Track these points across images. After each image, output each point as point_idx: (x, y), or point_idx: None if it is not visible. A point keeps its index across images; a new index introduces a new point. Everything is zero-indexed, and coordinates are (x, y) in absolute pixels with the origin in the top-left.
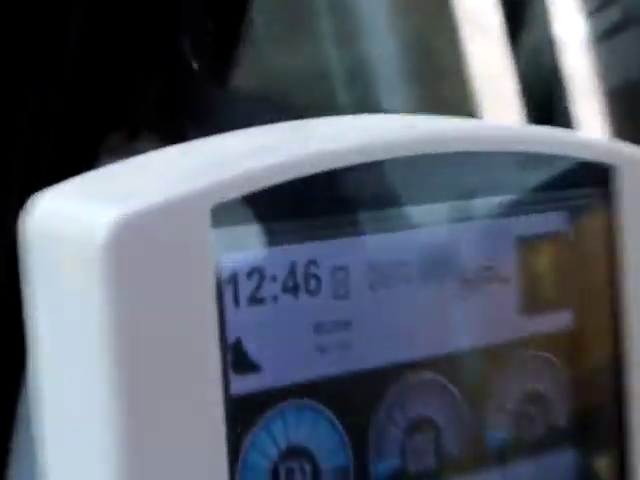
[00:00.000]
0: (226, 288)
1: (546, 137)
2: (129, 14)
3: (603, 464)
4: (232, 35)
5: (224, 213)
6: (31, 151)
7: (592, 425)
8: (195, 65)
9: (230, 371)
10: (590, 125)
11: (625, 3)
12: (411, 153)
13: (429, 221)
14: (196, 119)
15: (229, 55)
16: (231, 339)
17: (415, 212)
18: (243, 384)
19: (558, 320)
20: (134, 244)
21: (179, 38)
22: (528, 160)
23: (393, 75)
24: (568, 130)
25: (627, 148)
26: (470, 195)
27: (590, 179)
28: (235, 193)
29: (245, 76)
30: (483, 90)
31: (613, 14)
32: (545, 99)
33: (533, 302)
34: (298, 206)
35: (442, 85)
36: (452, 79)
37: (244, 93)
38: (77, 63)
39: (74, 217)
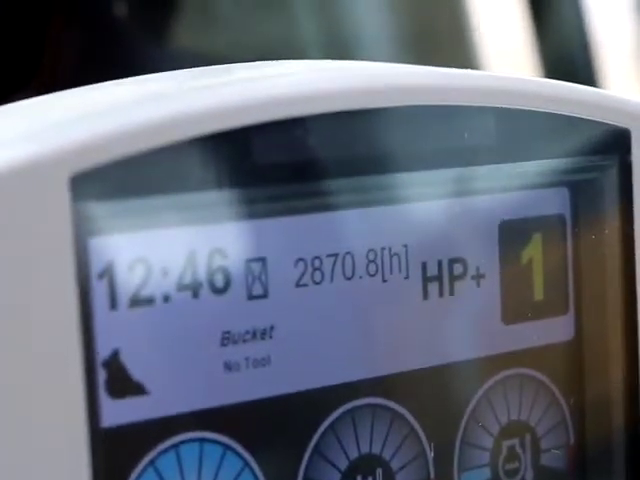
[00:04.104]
0: (97, 284)
1: (536, 90)
2: None
3: None
4: None
5: (91, 183)
6: None
7: (598, 469)
8: (121, 14)
9: (103, 395)
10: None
11: None
12: (354, 106)
13: (378, 199)
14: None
15: (168, 8)
16: (105, 352)
17: (359, 186)
18: (122, 412)
19: (553, 331)
20: None
21: None
22: (515, 120)
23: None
24: (573, 85)
25: None
26: (436, 164)
27: (597, 147)
28: (106, 157)
29: (210, 42)
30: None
31: None
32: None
33: (520, 307)
34: (195, 176)
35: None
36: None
37: (188, 53)
38: None
39: None
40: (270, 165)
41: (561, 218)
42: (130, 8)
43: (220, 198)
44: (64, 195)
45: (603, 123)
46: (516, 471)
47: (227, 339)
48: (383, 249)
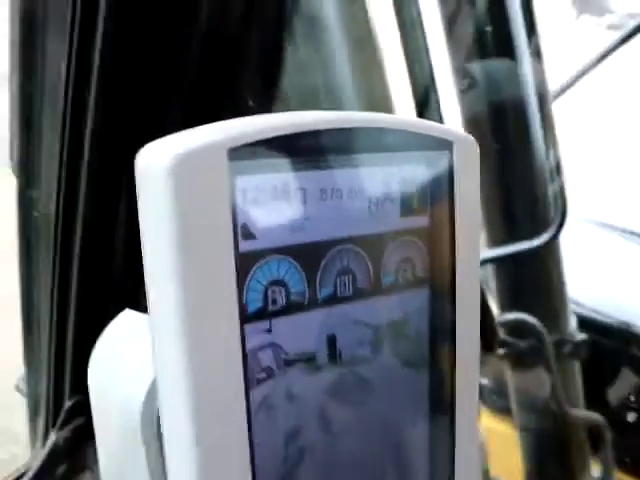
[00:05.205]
0: (238, 194)
1: (410, 122)
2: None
3: (443, 298)
4: (274, 79)
5: (237, 152)
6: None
7: (438, 276)
8: (251, 102)
9: (240, 239)
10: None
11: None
12: (341, 126)
13: (353, 166)
14: None
15: (272, 95)
16: (241, 222)
17: (345, 160)
18: (246, 246)
19: (421, 221)
20: (183, 171)
21: (242, 81)
22: (402, 135)
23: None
24: (426, 120)
25: (460, 132)
26: (375, 151)
27: (438, 149)
28: (244, 140)
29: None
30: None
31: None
32: None
33: (407, 212)
34: (284, 153)
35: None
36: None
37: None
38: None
39: (156, 159)
40: (311, 147)
41: (424, 188)
42: (254, 96)
43: (293, 162)
44: (224, 158)
45: (441, 138)
46: (406, 277)
47: (292, 222)
48: (353, 189)
